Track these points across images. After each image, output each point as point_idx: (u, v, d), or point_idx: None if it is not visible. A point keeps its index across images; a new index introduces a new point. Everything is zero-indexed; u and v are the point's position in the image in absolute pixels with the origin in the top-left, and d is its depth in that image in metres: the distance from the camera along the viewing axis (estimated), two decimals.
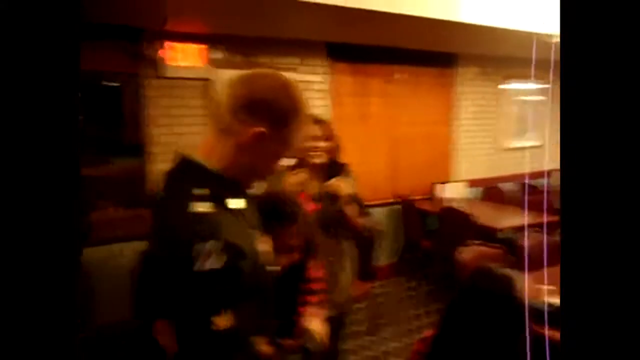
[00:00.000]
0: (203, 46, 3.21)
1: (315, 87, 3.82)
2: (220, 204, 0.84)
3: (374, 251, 2.75)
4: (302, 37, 3.60)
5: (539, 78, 5.20)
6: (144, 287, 1.01)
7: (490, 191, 4.83)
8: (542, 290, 1.94)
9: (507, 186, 4.91)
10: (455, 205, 4.22)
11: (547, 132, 5.57)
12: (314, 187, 1.85)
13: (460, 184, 4.58)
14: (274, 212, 1.12)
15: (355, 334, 3.12)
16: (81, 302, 3.18)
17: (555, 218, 3.69)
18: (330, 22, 3.02)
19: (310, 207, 1.69)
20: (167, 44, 3.09)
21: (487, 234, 3.48)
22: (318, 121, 1.88)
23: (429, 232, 4.14)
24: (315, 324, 1.08)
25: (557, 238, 2.72)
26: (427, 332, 1.36)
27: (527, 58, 4.62)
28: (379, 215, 4.27)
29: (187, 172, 0.87)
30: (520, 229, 3.60)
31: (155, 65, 3.14)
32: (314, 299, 1.12)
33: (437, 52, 4.38)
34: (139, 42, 3.07)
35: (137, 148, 3.34)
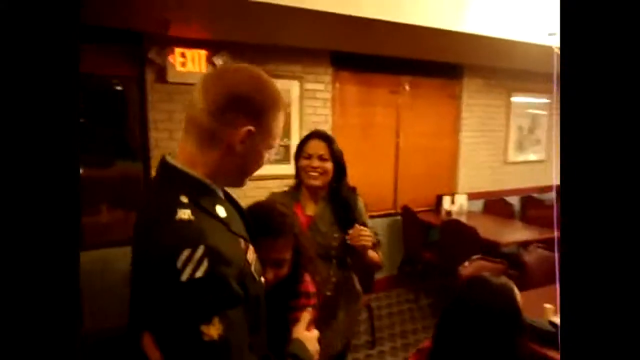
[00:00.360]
0: (206, 52, 3.20)
1: (318, 95, 3.80)
2: (203, 211, 0.81)
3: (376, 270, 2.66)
4: (306, 46, 3.58)
5: (544, 91, 5.17)
6: (132, 297, 0.98)
7: (495, 204, 4.78)
8: (545, 308, 1.88)
9: (511, 200, 4.86)
10: (457, 217, 4.18)
11: (554, 147, 5.52)
12: (310, 209, 1.72)
13: (464, 197, 4.53)
14: (261, 224, 1.08)
15: (353, 347, 3.06)
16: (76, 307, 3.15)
17: (555, 234, 3.63)
18: (334, 31, 3.01)
19: (304, 220, 1.60)
20: (170, 49, 3.08)
21: (491, 248, 3.42)
22: (319, 136, 1.71)
23: (431, 244, 4.09)
24: (306, 336, 1.04)
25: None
26: (423, 344, 1.33)
27: (532, 71, 4.62)
28: (380, 225, 4.22)
29: (170, 179, 0.84)
30: (524, 244, 3.54)
31: (158, 70, 3.13)
32: (304, 314, 1.07)
33: (443, 63, 4.36)
34: (142, 46, 3.07)
35: (138, 152, 3.34)
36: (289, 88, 3.66)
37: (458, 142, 4.70)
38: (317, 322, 1.11)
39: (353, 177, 1.98)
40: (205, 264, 0.73)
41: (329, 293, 1.64)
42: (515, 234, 3.85)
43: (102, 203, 3.71)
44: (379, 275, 4.15)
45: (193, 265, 0.72)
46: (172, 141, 3.24)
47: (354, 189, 1.81)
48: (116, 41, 3.04)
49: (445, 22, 2.88)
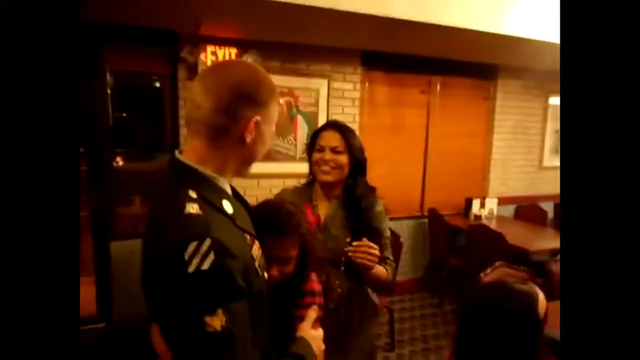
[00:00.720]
0: (236, 50, 3.26)
1: (346, 94, 3.79)
2: (210, 206, 0.84)
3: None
4: (336, 45, 3.58)
5: None
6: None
7: (527, 210, 4.62)
8: None
9: (545, 206, 4.68)
10: (487, 222, 4.07)
11: None
12: (323, 208, 1.55)
13: (495, 201, 4.41)
14: (267, 221, 1.09)
15: None
16: (106, 295, 3.29)
17: None
18: (365, 30, 2.98)
19: (313, 219, 1.47)
20: (202, 47, 3.16)
21: (520, 256, 3.32)
22: (333, 126, 1.54)
23: (458, 249, 4.01)
24: (311, 335, 1.04)
25: None
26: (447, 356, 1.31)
27: None
28: (407, 228, 4.18)
29: (179, 175, 0.87)
30: (555, 252, 3.41)
31: (190, 67, 3.22)
32: (310, 312, 1.08)
33: (476, 63, 4.25)
34: (176, 45, 3.16)
35: (171, 147, 3.45)
36: (317, 87, 3.68)
37: (491, 144, 4.57)
38: (325, 344, 1.08)
39: (380, 177, 1.89)
40: (211, 256, 0.75)
41: (331, 305, 1.38)
42: (545, 241, 3.71)
43: (136, 195, 3.86)
44: (404, 278, 4.12)
45: (200, 258, 0.74)
46: None
47: (372, 189, 1.61)
48: (153, 41, 3.15)
49: (485, 24, 2.81)
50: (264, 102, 0.89)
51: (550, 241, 3.74)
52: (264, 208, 1.15)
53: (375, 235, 1.48)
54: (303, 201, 1.52)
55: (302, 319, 1.07)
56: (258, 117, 0.87)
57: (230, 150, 0.88)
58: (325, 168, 1.48)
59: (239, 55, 3.27)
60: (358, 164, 1.52)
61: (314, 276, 1.20)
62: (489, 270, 2.39)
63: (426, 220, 4.22)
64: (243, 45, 3.29)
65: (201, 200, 0.82)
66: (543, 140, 4.88)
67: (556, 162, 5.00)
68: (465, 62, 4.16)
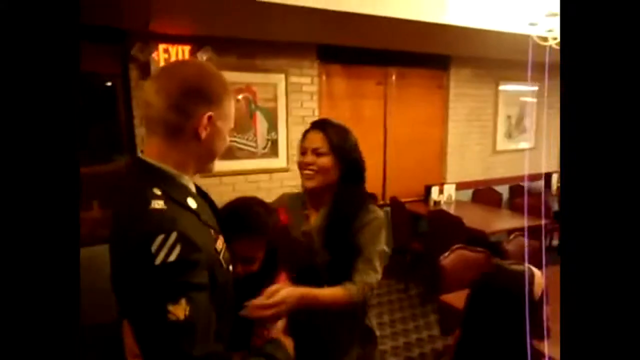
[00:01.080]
0: (190, 47, 3.21)
1: (304, 89, 3.81)
2: (175, 202, 0.86)
3: None
4: (291, 40, 3.59)
5: (532, 80, 5.18)
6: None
7: (484, 193, 4.82)
8: None
9: (500, 189, 4.90)
10: (446, 207, 4.22)
11: (544, 135, 5.55)
12: (313, 218, 1.36)
13: (452, 186, 4.57)
14: (234, 220, 1.11)
15: None
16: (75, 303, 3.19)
17: (542, 222, 3.67)
18: (319, 25, 3.01)
19: (285, 220, 1.34)
20: (153, 45, 3.08)
21: (478, 238, 3.47)
22: (316, 125, 1.36)
23: (419, 235, 4.13)
24: (286, 339, 1.07)
25: (537, 242, 2.71)
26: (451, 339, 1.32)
27: (520, 60, 4.64)
28: None
29: (143, 173, 0.89)
30: (511, 232, 3.59)
31: (142, 66, 3.14)
32: (280, 321, 1.09)
33: (430, 54, 4.37)
34: (125, 43, 3.07)
35: (126, 148, 3.36)
36: (275, 82, 3.67)
37: (446, 132, 4.73)
38: None
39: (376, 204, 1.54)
40: (177, 249, 0.77)
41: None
42: (501, 222, 3.90)
43: (94, 199, 3.74)
44: None
45: (166, 250, 0.77)
46: None
47: (370, 197, 1.37)
48: (100, 39, 3.04)
49: (427, 14, 2.89)
50: (216, 97, 0.90)
51: (505, 222, 3.93)
52: (232, 207, 1.16)
53: (352, 252, 1.27)
54: (296, 209, 1.40)
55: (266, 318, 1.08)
56: (211, 113, 0.88)
57: (187, 147, 0.90)
58: (307, 172, 1.30)
59: (192, 52, 3.22)
60: (349, 165, 1.31)
61: (283, 276, 1.21)
62: (447, 253, 2.49)
63: (388, 208, 4.32)
64: (197, 42, 3.24)
65: (166, 197, 0.84)
66: (495, 126, 5.09)
67: (509, 145, 5.24)
68: (419, 53, 4.27)
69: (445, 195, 4.46)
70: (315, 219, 1.36)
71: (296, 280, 1.23)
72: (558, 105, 0.74)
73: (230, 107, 0.95)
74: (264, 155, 3.73)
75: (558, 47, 2.65)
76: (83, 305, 2.77)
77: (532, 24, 2.88)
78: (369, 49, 4.00)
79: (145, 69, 3.13)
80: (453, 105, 4.70)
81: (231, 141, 3.38)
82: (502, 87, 5.03)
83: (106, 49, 3.13)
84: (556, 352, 0.93)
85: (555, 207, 4.60)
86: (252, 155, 3.67)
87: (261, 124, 3.68)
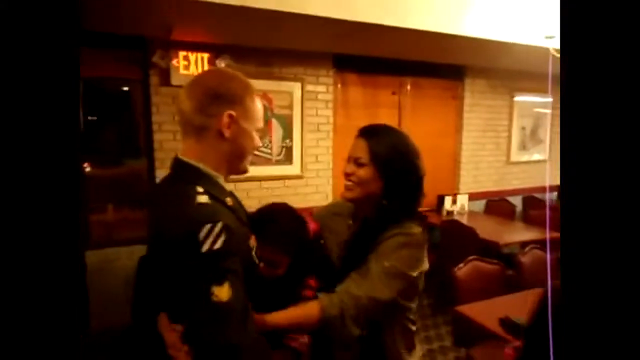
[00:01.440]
0: (209, 55, 3.26)
1: (320, 97, 3.85)
2: (216, 199, 0.93)
3: None
4: (308, 49, 3.63)
5: (546, 92, 5.16)
6: (144, 286, 1.07)
7: (497, 204, 4.79)
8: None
9: (514, 200, 4.87)
10: (459, 218, 4.20)
11: (555, 146, 5.51)
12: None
13: (465, 197, 4.55)
14: (259, 224, 1.14)
15: None
16: (80, 306, 3.23)
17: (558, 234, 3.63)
18: (336, 34, 3.04)
19: (314, 227, 1.30)
20: (174, 52, 3.15)
21: (491, 249, 3.45)
22: (362, 132, 1.23)
23: (432, 245, 4.11)
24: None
25: (553, 255, 2.69)
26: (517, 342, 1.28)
27: (535, 71, 4.62)
28: None
29: (184, 173, 0.96)
30: (525, 244, 3.56)
31: (162, 73, 3.20)
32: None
33: (445, 64, 4.38)
34: (146, 50, 3.13)
35: (143, 153, 3.41)
36: (291, 90, 3.71)
37: (460, 142, 4.73)
38: None
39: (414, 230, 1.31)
40: (222, 238, 0.83)
41: None
42: (515, 234, 3.87)
43: (109, 202, 3.80)
44: None
45: (212, 239, 0.82)
46: (175, 142, 3.30)
47: (414, 215, 1.19)
48: (123, 46, 3.12)
49: (447, 26, 2.92)
50: (236, 97, 0.97)
51: (519, 234, 3.90)
52: (261, 211, 1.22)
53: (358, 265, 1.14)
54: (343, 217, 1.32)
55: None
56: (231, 112, 0.95)
57: (216, 147, 0.96)
58: (347, 183, 1.20)
59: (211, 59, 3.27)
60: (391, 180, 1.16)
61: (312, 282, 1.23)
62: (462, 265, 2.49)
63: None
64: (216, 50, 3.29)
65: (208, 194, 0.91)
66: (510, 137, 5.07)
67: (523, 157, 5.21)
68: (434, 64, 4.29)
69: (459, 205, 4.45)
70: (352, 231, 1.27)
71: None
72: None
73: (254, 107, 1.00)
74: (278, 162, 3.76)
75: None
76: (97, 307, 2.79)
77: (548, 37, 2.88)
78: (385, 59, 4.02)
79: (165, 76, 3.19)
80: (467, 115, 4.70)
81: None
82: (516, 98, 5.02)
83: (127, 55, 3.20)
84: None
85: None
86: (267, 161, 3.70)
87: (276, 131, 3.71)
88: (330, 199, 3.90)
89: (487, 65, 4.56)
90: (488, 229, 3.74)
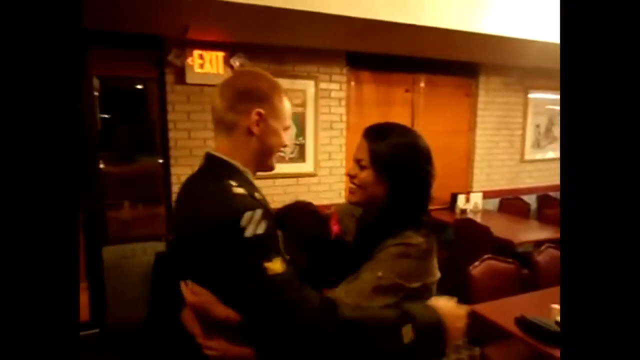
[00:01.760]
0: (223, 53, 3.28)
1: (333, 94, 3.85)
2: (248, 192, 0.95)
3: None
4: (321, 47, 3.63)
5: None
6: (161, 282, 1.08)
7: (511, 203, 4.75)
8: (552, 309, 1.90)
9: (528, 198, 4.82)
10: (472, 216, 4.18)
11: None
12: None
13: (479, 195, 4.52)
14: (280, 221, 1.15)
15: None
16: (100, 300, 3.29)
17: None
18: (349, 32, 3.04)
19: (336, 229, 1.25)
20: (189, 51, 3.17)
21: (505, 248, 3.43)
22: (365, 132, 1.14)
23: (445, 243, 4.10)
24: (445, 307, 1.07)
25: None
26: None
27: (550, 68, 4.57)
28: None
29: (217, 168, 0.99)
30: (539, 243, 3.53)
31: (177, 72, 3.23)
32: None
33: (458, 61, 4.35)
34: (162, 49, 3.17)
35: (159, 151, 3.45)
36: (304, 88, 3.72)
37: (474, 140, 4.69)
38: None
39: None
40: (264, 223, 0.86)
41: None
42: (529, 233, 3.84)
43: (125, 199, 3.86)
44: None
45: (255, 224, 0.85)
46: (190, 140, 3.34)
47: (419, 223, 1.07)
48: (139, 46, 3.16)
49: (463, 24, 2.89)
50: (265, 96, 1.01)
51: (534, 232, 3.87)
52: (284, 209, 1.24)
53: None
54: (349, 217, 1.27)
55: None
56: (260, 110, 0.99)
57: (244, 144, 1.00)
58: (350, 185, 1.14)
59: (226, 58, 3.30)
60: (396, 185, 1.07)
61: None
62: (477, 264, 2.48)
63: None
64: (230, 48, 3.31)
65: (242, 187, 0.94)
66: (524, 134, 5.02)
67: (537, 155, 5.15)
68: (448, 61, 4.26)
69: (472, 203, 4.42)
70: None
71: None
72: None
73: (282, 106, 1.04)
74: (291, 160, 3.78)
75: None
76: (113, 302, 2.84)
77: None
78: (398, 56, 4.01)
79: (180, 74, 3.22)
80: (481, 113, 4.66)
81: None
82: (531, 96, 4.96)
83: (143, 55, 3.24)
84: None
85: None
86: (280, 159, 3.71)
87: (290, 128, 3.72)
88: (343, 197, 3.91)
89: (502, 63, 4.51)
90: (502, 228, 3.71)
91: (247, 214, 0.85)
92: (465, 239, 3.66)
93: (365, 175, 1.09)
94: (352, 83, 3.98)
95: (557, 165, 5.25)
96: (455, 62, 4.32)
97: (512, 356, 2.25)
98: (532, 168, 5.12)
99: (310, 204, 1.30)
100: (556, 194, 5.01)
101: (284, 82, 3.83)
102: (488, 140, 4.77)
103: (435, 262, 1.09)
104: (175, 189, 3.28)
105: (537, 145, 5.16)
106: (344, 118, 3.93)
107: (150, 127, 3.53)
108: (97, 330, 3.27)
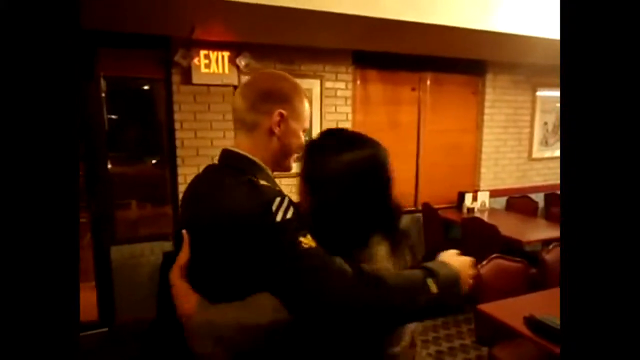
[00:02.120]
0: (229, 53, 3.29)
1: (339, 93, 3.84)
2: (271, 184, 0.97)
3: None
4: (327, 46, 3.63)
5: None
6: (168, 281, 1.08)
7: (519, 201, 4.72)
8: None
9: (536, 197, 4.78)
10: (479, 215, 4.16)
11: None
12: None
13: (486, 194, 4.50)
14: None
15: None
16: (108, 300, 3.31)
17: None
18: (356, 31, 3.03)
19: None
20: (195, 51, 3.18)
21: (513, 247, 3.40)
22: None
23: (451, 242, 4.08)
24: (454, 258, 1.07)
25: None
26: None
27: (558, 66, 4.52)
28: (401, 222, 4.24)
29: (237, 164, 1.00)
30: (547, 242, 3.50)
31: (184, 72, 3.24)
32: None
33: (465, 59, 4.32)
34: (169, 50, 3.18)
35: (165, 151, 3.47)
36: (310, 87, 3.72)
37: (481, 138, 4.66)
38: None
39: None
40: (292, 210, 0.88)
41: None
42: (537, 232, 3.81)
43: (132, 199, 3.88)
44: None
45: (284, 210, 0.87)
46: (196, 140, 3.35)
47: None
48: (146, 46, 3.17)
49: (472, 21, 2.87)
50: (286, 97, 1.02)
51: (542, 231, 3.84)
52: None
53: None
54: None
55: None
56: (282, 110, 1.00)
57: (265, 143, 1.02)
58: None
59: (232, 57, 3.30)
60: (319, 201, 0.95)
61: None
62: (484, 262, 2.46)
63: (420, 214, 4.30)
64: (236, 48, 3.32)
65: (265, 181, 0.96)
66: (532, 132, 4.98)
67: (545, 153, 5.11)
68: (455, 59, 4.23)
69: (479, 202, 4.40)
70: None
71: None
72: None
73: (302, 107, 1.06)
74: (297, 159, 3.78)
75: None
76: (122, 300, 2.85)
77: None
78: (405, 54, 3.99)
79: (186, 75, 3.24)
80: (488, 111, 4.63)
81: None
82: (539, 93, 4.92)
83: (150, 55, 3.26)
84: None
85: None
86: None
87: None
88: None
89: (509, 60, 4.48)
90: (510, 227, 3.69)
91: (277, 200, 0.87)
92: (473, 238, 3.64)
93: (300, 183, 1.03)
94: (358, 82, 3.97)
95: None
96: (463, 59, 4.29)
97: (521, 356, 2.24)
98: (540, 166, 5.08)
99: None
100: None
101: None
102: (495, 139, 4.73)
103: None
104: (182, 188, 3.30)
105: (545, 143, 5.12)
106: (350, 117, 3.92)
107: (158, 127, 3.54)
108: (106, 329, 3.30)
